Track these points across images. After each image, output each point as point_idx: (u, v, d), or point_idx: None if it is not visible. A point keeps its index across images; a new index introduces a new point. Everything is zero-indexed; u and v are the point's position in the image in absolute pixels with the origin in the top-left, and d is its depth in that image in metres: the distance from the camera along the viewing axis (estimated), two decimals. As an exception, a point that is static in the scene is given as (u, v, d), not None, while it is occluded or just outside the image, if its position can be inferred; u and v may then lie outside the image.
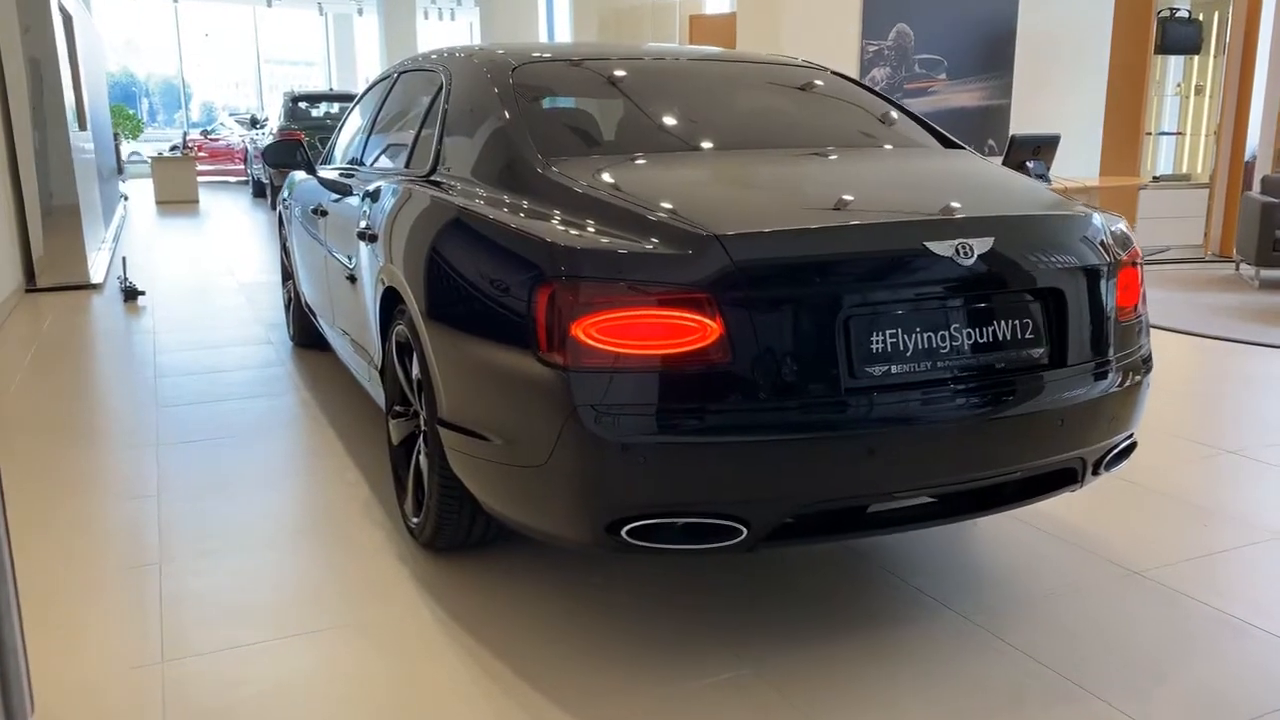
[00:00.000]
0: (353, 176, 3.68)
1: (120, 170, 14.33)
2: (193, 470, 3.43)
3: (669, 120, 2.73)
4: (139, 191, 15.54)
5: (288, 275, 5.28)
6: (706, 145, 2.63)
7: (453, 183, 2.65)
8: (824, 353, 1.95)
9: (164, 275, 7.82)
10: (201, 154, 17.53)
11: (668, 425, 1.92)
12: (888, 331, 2.00)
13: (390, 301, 2.84)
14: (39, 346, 5.37)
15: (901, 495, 2.03)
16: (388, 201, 2.92)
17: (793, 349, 1.94)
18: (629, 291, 1.92)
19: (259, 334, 5.64)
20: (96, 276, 7.35)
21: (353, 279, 3.32)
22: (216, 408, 4.18)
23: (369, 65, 22.86)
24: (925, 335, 2.02)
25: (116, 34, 27.14)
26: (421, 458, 2.71)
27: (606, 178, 2.31)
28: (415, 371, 2.70)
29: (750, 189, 2.28)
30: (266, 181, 13.48)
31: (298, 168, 4.42)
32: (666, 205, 2.10)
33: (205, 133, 19.40)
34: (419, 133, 3.11)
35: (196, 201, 14.27)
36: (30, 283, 7.08)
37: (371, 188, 3.20)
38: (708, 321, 1.91)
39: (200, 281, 7.52)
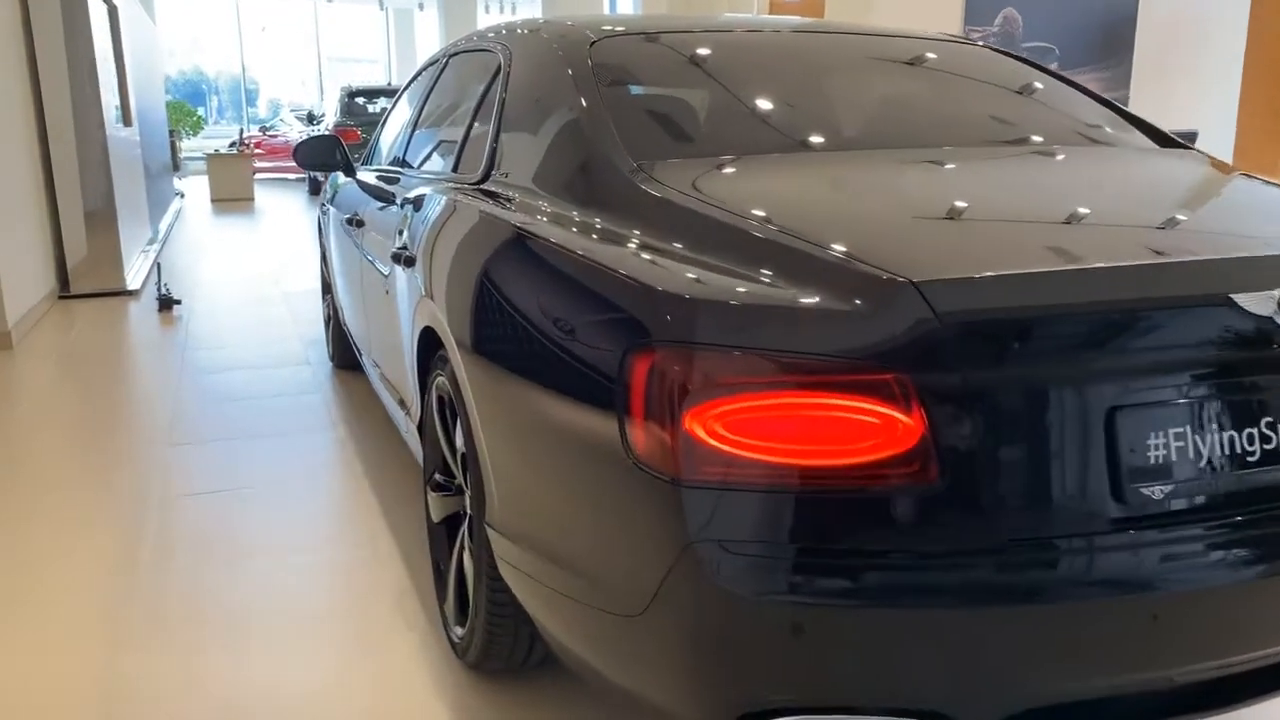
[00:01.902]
0: (395, 181, 3.06)
1: (177, 167, 14.03)
2: (197, 532, 2.84)
3: (799, 110, 2.05)
4: (197, 189, 15.26)
5: (328, 288, 4.70)
6: (853, 144, 1.95)
7: (510, 192, 2.00)
8: (1080, 465, 1.26)
9: (206, 280, 7.33)
10: (259, 151, 17.23)
11: (837, 579, 1.24)
12: (1174, 430, 1.30)
13: (430, 344, 2.21)
14: (56, 362, 4.87)
15: (1187, 676, 1.33)
16: (429, 214, 2.29)
17: (1031, 460, 1.25)
18: (778, 367, 1.25)
19: (297, 352, 5.07)
20: (134, 282, 6.88)
21: (389, 307, 2.70)
22: (237, 448, 3.59)
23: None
24: (1229, 436, 1.32)
25: (185, 32, 27.25)
26: (466, 555, 2.06)
27: (727, 190, 1.64)
28: (459, 441, 2.06)
29: (942, 209, 1.59)
30: (322, 179, 13.03)
31: (335, 169, 3.82)
32: (827, 233, 1.42)
33: (264, 129, 19.13)
34: (469, 128, 2.47)
35: (252, 199, 13.90)
36: (64, 289, 6.63)
37: (411, 196, 2.57)
38: (901, 416, 1.23)
39: (243, 288, 7.01)
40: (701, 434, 1.27)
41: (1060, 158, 1.96)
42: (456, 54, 2.99)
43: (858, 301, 1.27)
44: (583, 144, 1.83)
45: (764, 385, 1.25)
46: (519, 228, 1.74)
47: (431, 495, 2.33)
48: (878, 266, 1.30)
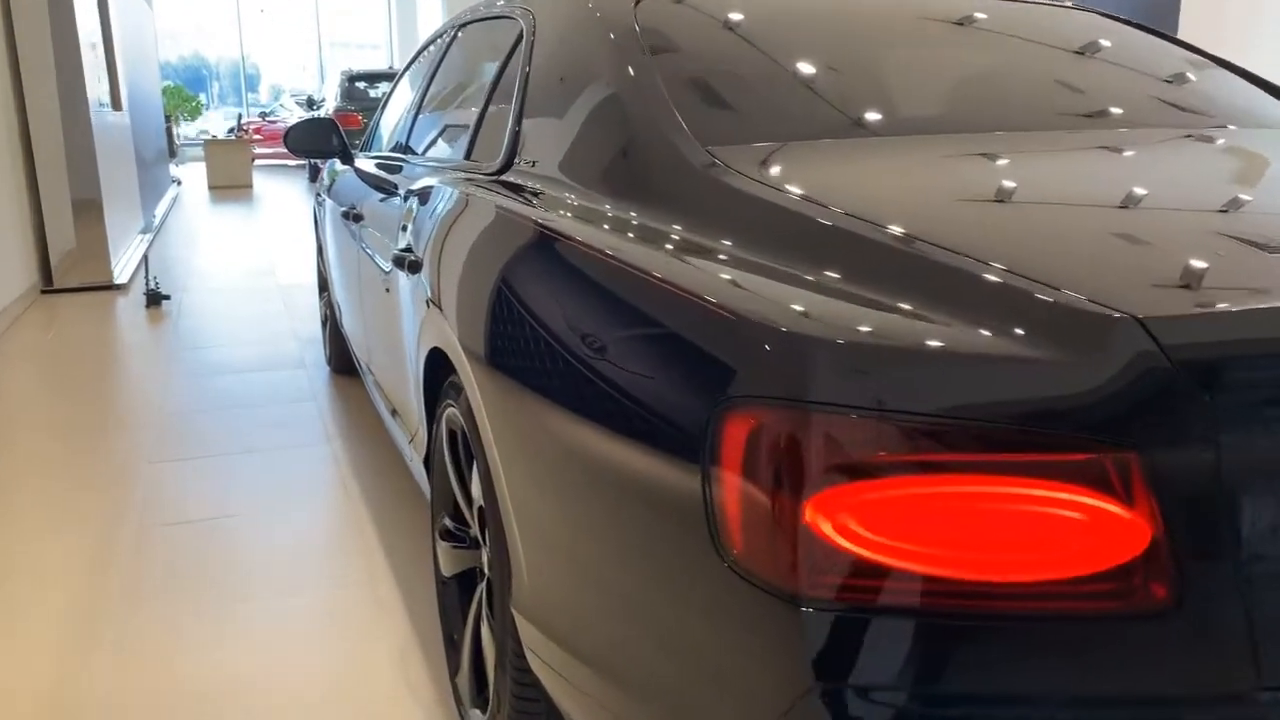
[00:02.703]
0: (398, 170, 2.69)
1: (173, 154, 13.64)
2: (172, 574, 2.47)
3: (904, 82, 1.66)
4: (195, 176, 14.87)
5: (325, 286, 4.33)
6: (973, 125, 1.56)
7: (538, 186, 1.62)
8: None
9: (199, 272, 6.96)
10: (258, 137, 16.83)
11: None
12: None
13: (439, 366, 1.84)
14: (30, 364, 4.50)
15: None
16: (438, 211, 1.91)
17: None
18: (942, 439, 0.87)
19: (293, 354, 4.70)
20: (122, 276, 6.51)
21: (390, 316, 2.33)
22: (222, 465, 3.23)
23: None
24: None
25: (185, 16, 26.82)
26: (484, 626, 1.70)
27: (835, 186, 1.26)
28: (476, 491, 1.69)
29: (1126, 212, 1.20)
30: (323, 166, 12.65)
31: (331, 155, 3.44)
32: (986, 247, 1.04)
33: (264, 115, 18.71)
34: (484, 110, 2.09)
35: (250, 186, 13.52)
36: (47, 283, 6.26)
37: (416, 188, 2.19)
38: (1121, 510, 0.86)
39: (237, 281, 6.64)
40: (832, 533, 0.89)
41: (1224, 142, 1.57)
42: (467, 24, 2.61)
43: (1053, 344, 0.89)
44: (634, 127, 1.44)
45: (923, 465, 0.88)
46: (560, 233, 1.35)
47: (441, 545, 1.96)
48: (1076, 293, 0.92)
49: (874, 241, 1.08)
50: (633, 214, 1.32)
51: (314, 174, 13.89)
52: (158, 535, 2.71)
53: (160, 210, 10.00)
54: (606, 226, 1.31)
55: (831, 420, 0.90)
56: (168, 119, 12.64)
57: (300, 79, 28.41)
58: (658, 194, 1.33)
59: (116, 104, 7.69)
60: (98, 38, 7.08)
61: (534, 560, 1.37)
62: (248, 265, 7.32)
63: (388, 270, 2.28)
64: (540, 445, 1.30)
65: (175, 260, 7.49)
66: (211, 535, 2.70)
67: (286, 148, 3.34)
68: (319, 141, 3.35)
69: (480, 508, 1.68)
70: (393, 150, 2.95)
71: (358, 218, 2.86)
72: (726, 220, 1.21)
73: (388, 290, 2.30)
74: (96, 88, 6.67)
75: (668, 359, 1.06)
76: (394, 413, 2.50)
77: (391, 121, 3.21)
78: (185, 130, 16.58)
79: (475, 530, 1.81)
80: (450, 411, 1.79)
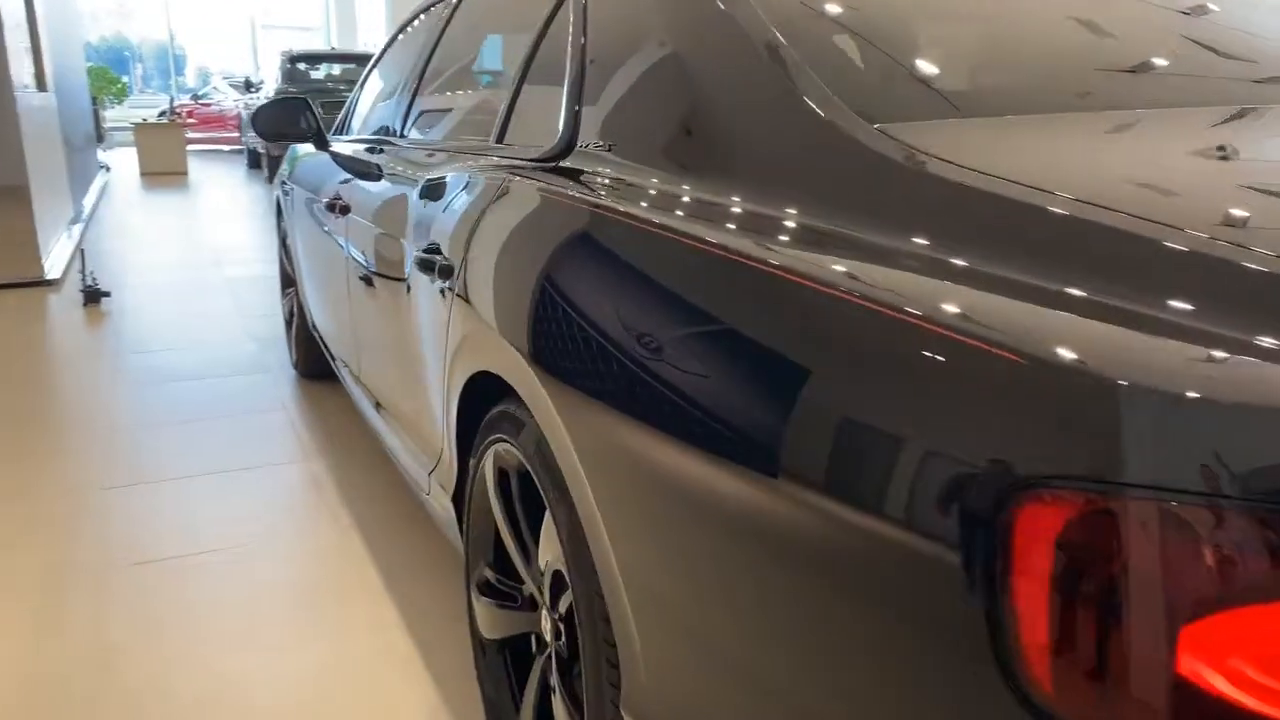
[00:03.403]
0: (397, 155, 2.35)
1: (101, 139, 12.91)
2: (138, 618, 2.12)
3: (1096, 47, 1.36)
4: (124, 161, 14.13)
5: (289, 282, 3.95)
6: (1199, 98, 1.26)
7: (615, 173, 1.31)
8: None
9: (137, 265, 6.48)
10: (191, 120, 16.09)
11: None
12: None
13: (481, 393, 1.53)
14: (-39, 376, 4.05)
15: None
16: (478, 206, 1.58)
17: None
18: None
19: (253, 356, 4.31)
20: (54, 270, 6.01)
21: (398, 326, 2.00)
22: (187, 490, 2.86)
23: (374, 30, 21.16)
24: None
25: (108, -3, 25.70)
26: (559, 707, 1.39)
27: (1065, 171, 0.95)
28: (548, 550, 1.38)
29: None
30: (263, 151, 12.07)
31: (303, 139, 3.07)
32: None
33: (196, 97, 17.92)
34: (519, 83, 1.76)
35: (185, 173, 12.88)
36: (-31, 280, 5.75)
37: (433, 178, 1.86)
38: None
39: (180, 275, 6.18)
40: (1221, 682, 0.62)
41: None
42: None
43: None
44: (768, 103, 1.13)
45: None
46: (707, 242, 1.02)
47: (481, 603, 1.65)
48: None
49: (1166, 244, 0.79)
50: (789, 211, 1.02)
51: (254, 160, 13.27)
52: (121, 579, 2.34)
53: (89, 199, 9.40)
54: (758, 229, 1.01)
55: (1221, 514, 0.62)
56: (94, 102, 11.93)
57: (230, 61, 27.41)
58: (814, 186, 1.03)
59: (42, 85, 7.13)
60: (22, 15, 6.53)
61: (657, 651, 1.07)
62: (190, 258, 6.85)
63: (400, 274, 1.95)
64: (679, 509, 0.99)
65: (110, 253, 6.98)
66: (186, 576, 2.35)
67: (256, 131, 2.97)
68: (291, 124, 2.99)
69: (557, 571, 1.37)
70: (382, 133, 2.60)
71: (344, 210, 2.51)
72: (930, 219, 0.92)
73: (398, 296, 1.97)
74: (20, 67, 6.14)
75: (913, 413, 0.77)
76: (399, 434, 2.17)
77: (378, 102, 2.86)
78: (111, 114, 15.75)
79: (534, 590, 1.50)
80: (502, 448, 1.48)
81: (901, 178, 0.97)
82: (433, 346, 1.75)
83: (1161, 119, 1.14)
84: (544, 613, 1.47)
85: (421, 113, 2.36)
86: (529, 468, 1.36)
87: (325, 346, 3.24)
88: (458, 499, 1.77)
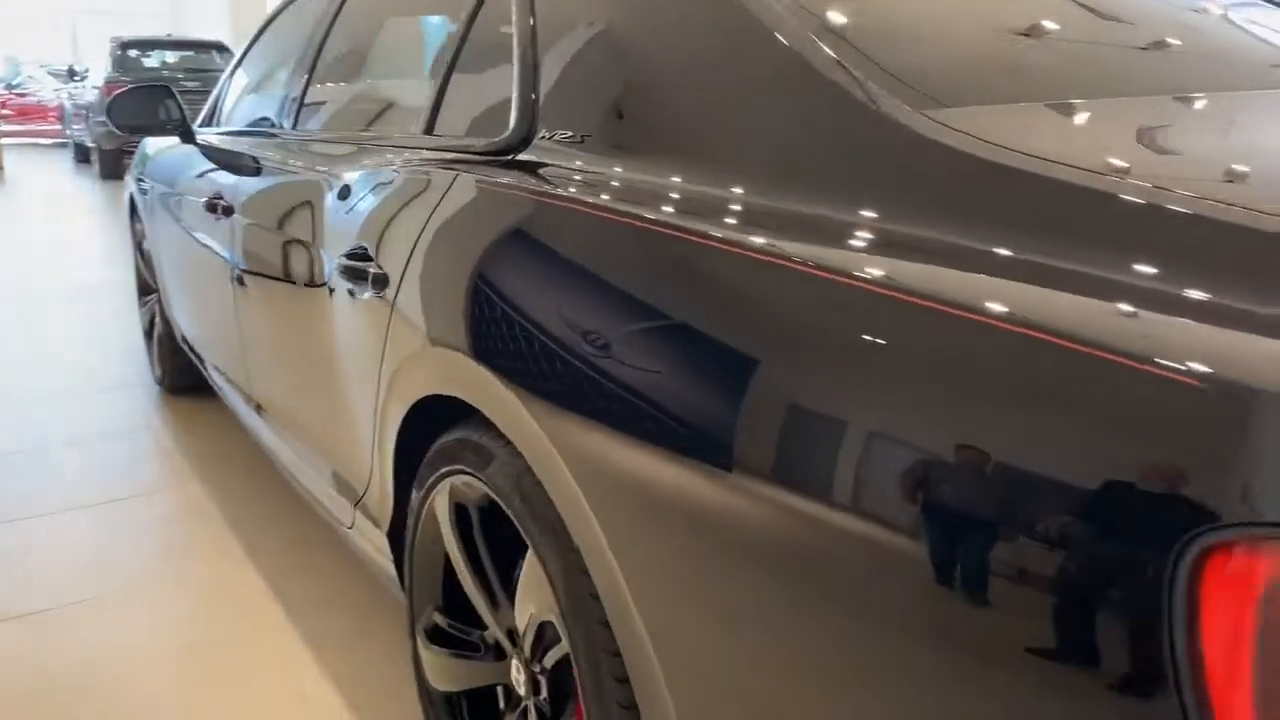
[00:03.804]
0: (286, 148, 2.11)
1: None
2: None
3: (1132, 30, 1.27)
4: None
5: (148, 289, 3.59)
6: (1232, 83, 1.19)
7: (594, 169, 1.15)
8: None
9: (-41, 275, 5.84)
10: (6, 112, 14.82)
11: None
12: None
13: (427, 416, 1.35)
14: None
15: None
16: (416, 204, 1.39)
17: None
18: None
19: (107, 371, 3.91)
20: None
21: (314, 343, 1.78)
22: (32, 533, 2.53)
23: (211, 17, 19.84)
24: None
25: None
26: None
27: (1144, 161, 0.86)
28: (531, 599, 1.22)
29: None
30: (92, 145, 11.18)
31: (166, 131, 2.76)
32: None
33: (11, 87, 16.52)
34: (451, 66, 1.57)
35: (0, 169, 11.81)
36: None
37: (353, 175, 1.65)
38: None
39: (8, 282, 5.60)
40: None
41: None
42: None
43: None
44: (795, 85, 0.99)
45: None
46: (776, 253, 0.86)
47: (430, 652, 1.47)
48: None
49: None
50: (845, 212, 0.89)
51: (83, 154, 12.30)
52: (-23, 641, 2.03)
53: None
54: (810, 232, 0.88)
55: None
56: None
57: (45, 49, 25.40)
58: (867, 182, 0.91)
59: None
60: None
61: (699, 716, 0.93)
62: (20, 261, 6.23)
63: (310, 282, 1.73)
64: (721, 551, 0.85)
65: (-76, 259, 6.29)
66: (47, 637, 2.05)
67: (111, 123, 2.65)
68: (150, 115, 2.68)
69: (545, 622, 1.21)
70: (267, 125, 2.34)
71: (227, 210, 2.25)
72: (1005, 217, 0.81)
73: (308, 307, 1.75)
74: None
75: (1034, 444, 0.66)
76: (309, 460, 1.95)
77: (259, 91, 2.58)
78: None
79: (501, 638, 1.34)
80: (461, 481, 1.31)
81: (963, 166, 0.85)
82: (360, 365, 1.54)
83: (1213, 104, 1.07)
84: (515, 663, 1.31)
85: (320, 102, 2.12)
86: (503, 505, 1.19)
87: (199, 359, 2.93)
88: (395, 536, 1.58)
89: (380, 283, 1.43)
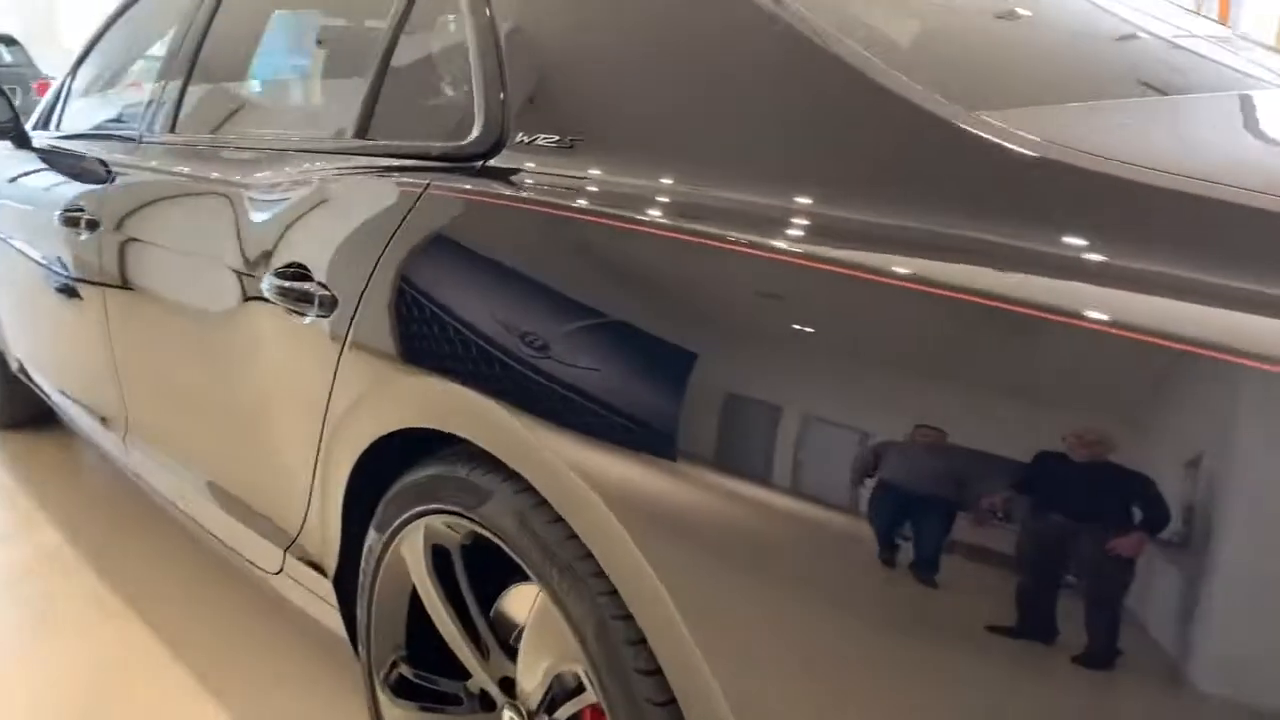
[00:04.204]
0: (169, 155, 1.89)
1: None
2: None
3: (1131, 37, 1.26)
4: None
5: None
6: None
7: (593, 176, 1.06)
8: None
9: None
10: None
11: None
12: None
13: (381, 458, 1.23)
14: None
15: None
16: (375, 218, 1.26)
17: None
18: None
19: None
20: None
21: (218, 370, 1.59)
22: (-121, 597, 2.19)
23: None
24: None
25: None
26: None
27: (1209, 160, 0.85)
28: (538, 657, 1.12)
29: None
30: None
31: (-3, 135, 2.45)
32: None
33: None
34: (384, 62, 1.43)
35: None
36: None
37: (272, 188, 1.48)
38: None
39: None
40: None
41: None
42: None
43: None
44: (828, 85, 0.93)
45: None
46: (860, 266, 0.79)
47: (399, 706, 1.34)
48: None
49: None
50: (904, 218, 0.83)
51: None
52: None
53: None
54: (876, 241, 0.82)
55: None
56: None
57: None
58: (930, 187, 0.86)
59: None
60: None
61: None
62: None
63: (219, 305, 1.55)
64: (820, 593, 0.79)
65: None
66: (-90, 719, 1.77)
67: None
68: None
69: (562, 672, 1.10)
70: (133, 128, 2.10)
71: (91, 224, 2.00)
72: (1096, 219, 0.78)
73: (216, 333, 1.57)
74: None
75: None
76: (215, 502, 1.75)
77: (113, 90, 2.32)
78: None
79: (489, 687, 1.22)
80: (439, 522, 1.19)
81: (1034, 171, 0.82)
82: (296, 396, 1.39)
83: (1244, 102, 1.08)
84: (510, 715, 1.20)
85: (206, 103, 1.91)
86: (506, 545, 1.08)
87: (45, 392, 2.62)
88: (342, 582, 1.43)
89: (327, 304, 1.28)
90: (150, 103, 2.03)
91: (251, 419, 1.53)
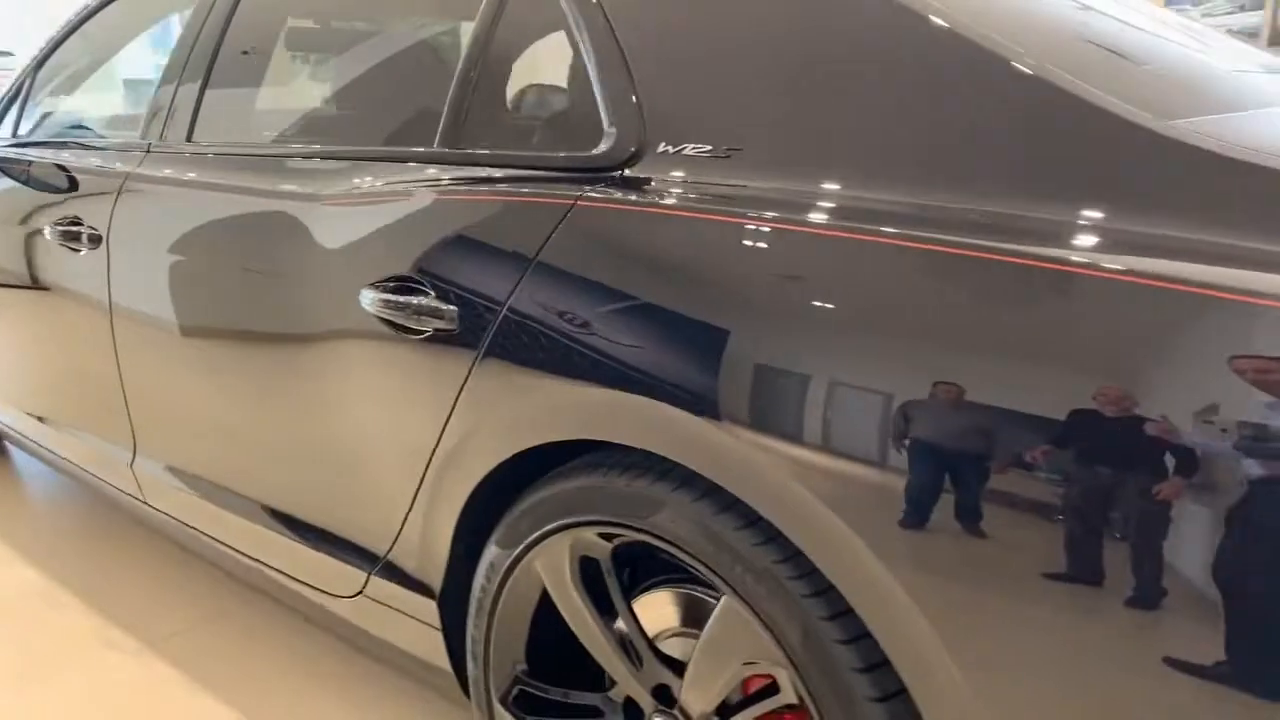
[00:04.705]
0: (197, 165, 1.81)
1: None
2: None
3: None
4: None
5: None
6: None
7: (746, 184, 1.07)
8: None
9: None
10: None
11: None
12: None
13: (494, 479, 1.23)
14: None
15: None
16: (509, 233, 1.23)
17: None
18: None
19: None
20: None
21: (292, 387, 1.53)
22: None
23: None
24: None
25: None
26: None
27: None
28: (722, 662, 1.12)
29: None
30: None
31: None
32: None
33: None
34: (476, 63, 1.40)
35: None
36: None
37: (401, 208, 1.41)
38: None
39: None
40: None
41: None
42: None
43: None
44: (1021, 90, 0.97)
45: None
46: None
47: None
48: None
49: None
50: (1136, 226, 0.88)
51: None
52: None
53: None
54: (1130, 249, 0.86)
55: None
56: None
57: None
58: (1110, 190, 0.91)
59: None
60: None
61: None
62: None
63: (292, 328, 1.49)
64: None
65: None
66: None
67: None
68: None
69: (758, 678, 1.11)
70: (117, 134, 1.98)
71: (94, 239, 1.89)
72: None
73: (292, 353, 1.51)
74: None
75: None
76: (268, 520, 1.68)
77: (96, 93, 2.18)
78: None
79: (640, 694, 1.22)
80: (588, 534, 1.19)
81: (1247, 175, 0.88)
82: (398, 412, 1.35)
83: None
84: (663, 722, 1.20)
85: (239, 110, 1.82)
86: (684, 552, 1.09)
87: (20, 431, 2.44)
88: (448, 598, 1.40)
89: (450, 318, 1.25)
90: (158, 108, 1.91)
91: (331, 437, 1.48)
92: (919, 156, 1.01)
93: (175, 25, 2.03)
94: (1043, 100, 0.97)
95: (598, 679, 1.31)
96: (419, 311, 1.29)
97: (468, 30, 1.43)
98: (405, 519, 1.41)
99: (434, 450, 1.31)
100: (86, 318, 1.95)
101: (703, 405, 1.01)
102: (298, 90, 1.82)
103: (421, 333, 1.29)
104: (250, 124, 1.83)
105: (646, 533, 1.12)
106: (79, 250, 1.94)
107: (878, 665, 0.98)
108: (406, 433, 1.35)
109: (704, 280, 1.05)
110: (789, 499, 0.97)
